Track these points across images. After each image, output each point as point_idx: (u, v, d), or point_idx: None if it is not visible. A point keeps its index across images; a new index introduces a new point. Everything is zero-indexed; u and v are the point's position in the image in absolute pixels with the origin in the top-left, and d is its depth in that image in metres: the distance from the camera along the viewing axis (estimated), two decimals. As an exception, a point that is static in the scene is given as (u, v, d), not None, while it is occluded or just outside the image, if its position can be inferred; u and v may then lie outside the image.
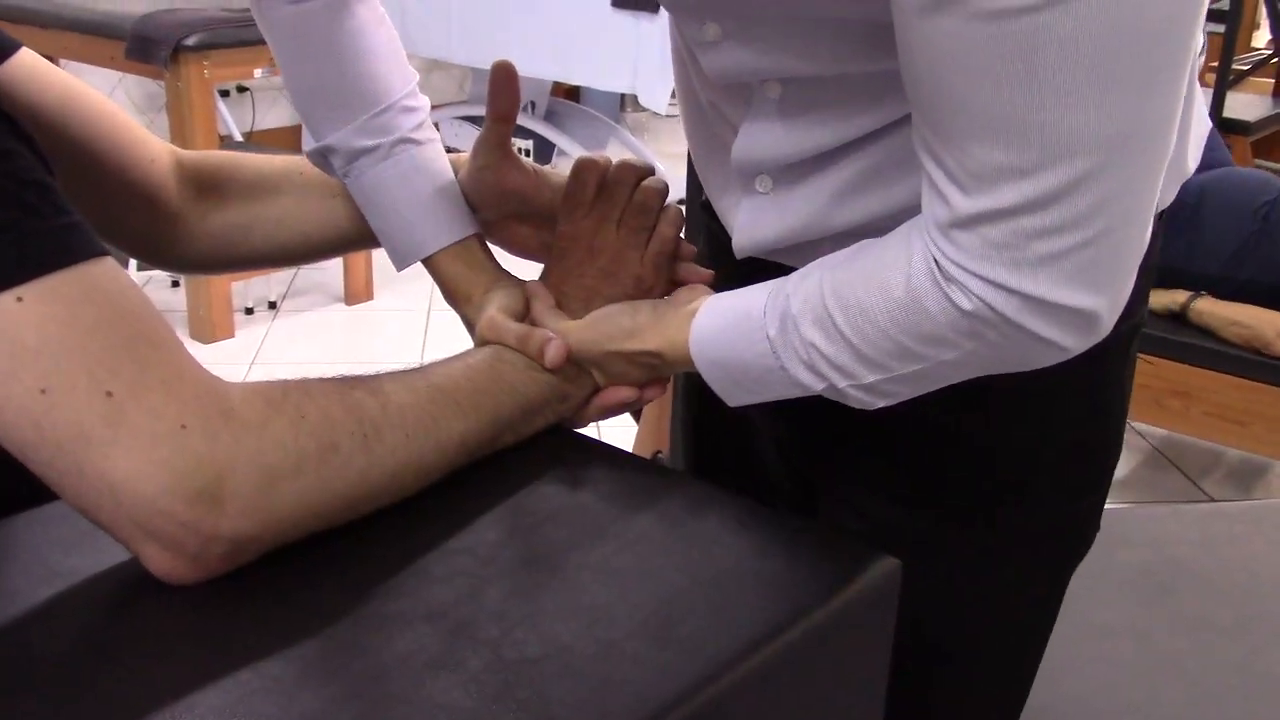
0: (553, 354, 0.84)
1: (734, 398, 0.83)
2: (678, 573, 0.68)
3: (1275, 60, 4.05)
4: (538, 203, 0.95)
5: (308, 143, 0.95)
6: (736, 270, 0.89)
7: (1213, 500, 2.57)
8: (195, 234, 0.97)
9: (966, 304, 0.68)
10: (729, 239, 0.93)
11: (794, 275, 0.79)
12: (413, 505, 0.73)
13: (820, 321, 0.75)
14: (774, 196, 0.87)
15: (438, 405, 0.75)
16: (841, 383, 0.76)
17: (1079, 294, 0.67)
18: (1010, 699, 1.01)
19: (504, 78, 0.91)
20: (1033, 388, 0.81)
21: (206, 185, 0.97)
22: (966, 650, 0.97)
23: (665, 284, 0.91)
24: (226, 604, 0.63)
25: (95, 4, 3.26)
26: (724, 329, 0.81)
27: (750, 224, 0.90)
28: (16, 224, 0.60)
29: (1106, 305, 0.69)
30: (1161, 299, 2.38)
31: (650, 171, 0.92)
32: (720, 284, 0.88)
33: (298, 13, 0.91)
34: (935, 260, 0.69)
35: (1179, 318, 2.37)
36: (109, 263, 0.63)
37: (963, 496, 0.92)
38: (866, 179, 0.83)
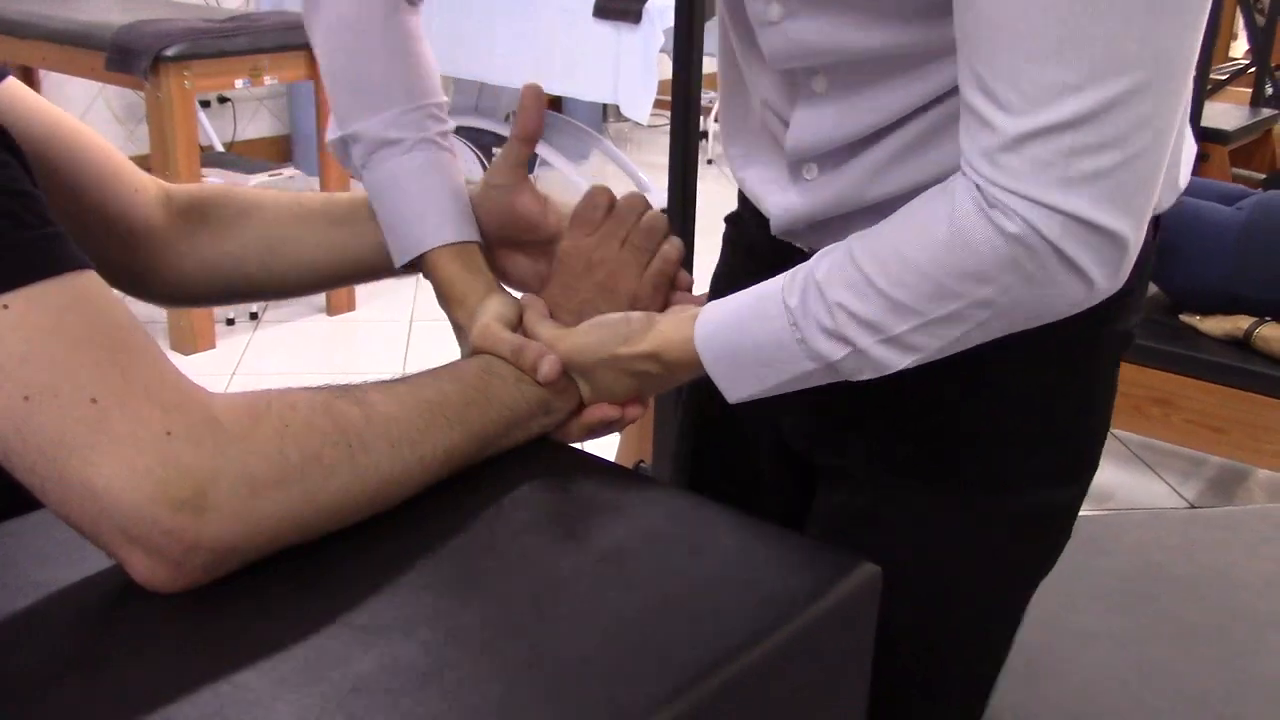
0: (546, 369, 0.85)
1: (737, 389, 0.84)
2: (657, 582, 0.68)
3: (1252, 70, 4.08)
4: (542, 230, 0.97)
5: (333, 132, 0.97)
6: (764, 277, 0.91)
7: (1193, 507, 2.58)
8: (185, 266, 0.96)
9: (1012, 227, 0.72)
10: (762, 247, 0.97)
11: (814, 257, 0.81)
12: (392, 515, 0.73)
13: (850, 281, 0.78)
14: (820, 180, 0.91)
15: (424, 418, 0.75)
16: (866, 340, 0.78)
17: (1116, 215, 0.72)
18: (973, 703, 1.02)
19: (533, 100, 0.96)
20: (1032, 381, 0.88)
21: (197, 216, 0.97)
22: (938, 646, 0.97)
23: (659, 307, 0.93)
24: (203, 615, 0.63)
25: (75, 15, 3.24)
26: (735, 310, 0.84)
27: (796, 204, 0.93)
28: (3, 233, 0.60)
29: (1133, 232, 0.73)
30: (1223, 325, 2.33)
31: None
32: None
33: (359, 8, 0.96)
34: (979, 188, 0.73)
35: (1242, 344, 2.31)
36: (92, 275, 0.64)
37: (953, 473, 0.94)
38: (904, 153, 0.86)
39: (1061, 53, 0.69)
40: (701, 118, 4.21)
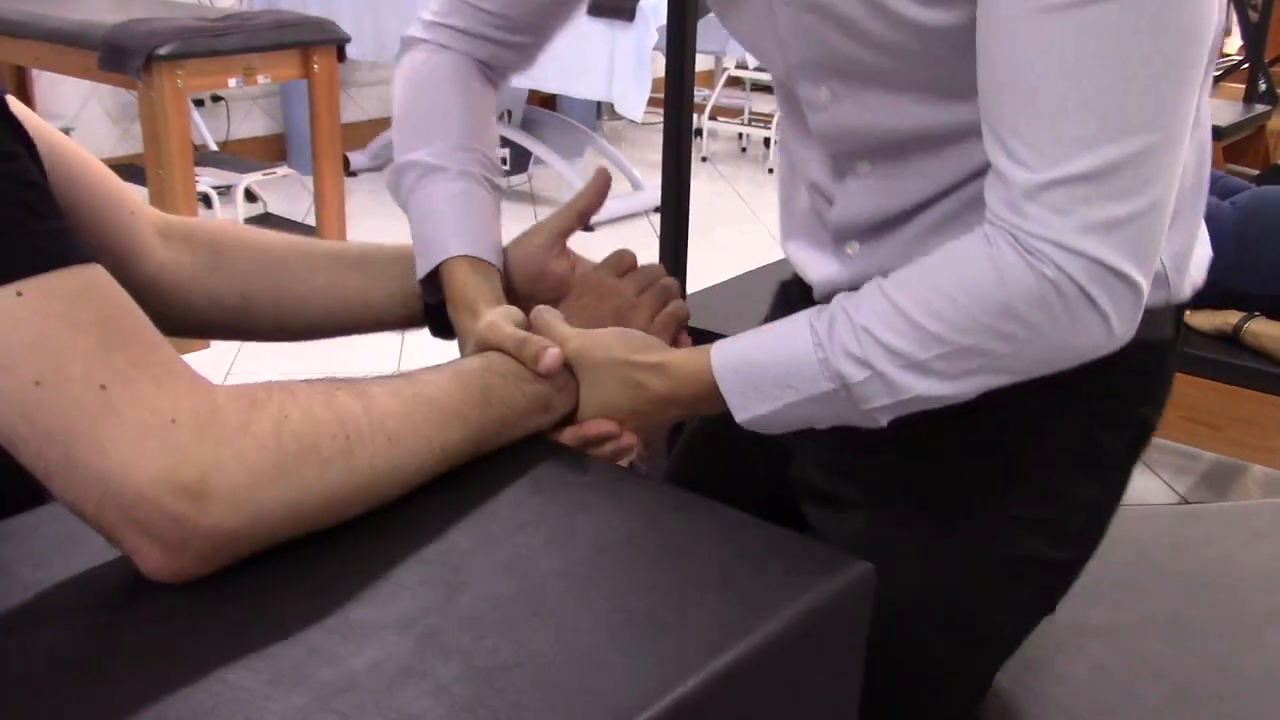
0: (548, 361, 0.86)
1: (746, 406, 0.86)
2: (650, 579, 0.68)
3: (1246, 66, 4.08)
4: (566, 288, 1.02)
5: (397, 152, 1.04)
6: None
7: (1186, 502, 2.59)
8: (190, 297, 0.97)
9: (1047, 270, 0.77)
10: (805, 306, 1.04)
11: (842, 294, 0.86)
12: (383, 513, 0.73)
13: (880, 310, 0.82)
14: (861, 254, 1.00)
15: (422, 413, 0.75)
16: (889, 365, 0.81)
17: (1132, 263, 0.78)
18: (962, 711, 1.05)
19: (601, 185, 1.05)
20: (1044, 439, 0.96)
21: (201, 248, 0.99)
22: (930, 666, 1.00)
23: None
24: (195, 613, 0.63)
25: (68, 14, 3.24)
26: (756, 334, 0.88)
27: (837, 276, 1.02)
28: (20, 222, 0.61)
29: (1145, 281, 0.79)
30: (1213, 320, 2.32)
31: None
32: None
33: (442, 62, 1.07)
34: (1014, 236, 0.78)
35: (1231, 339, 2.31)
36: (101, 268, 0.65)
37: (952, 510, 0.98)
38: (942, 224, 0.94)
39: (1074, 112, 0.75)
40: (695, 115, 4.21)
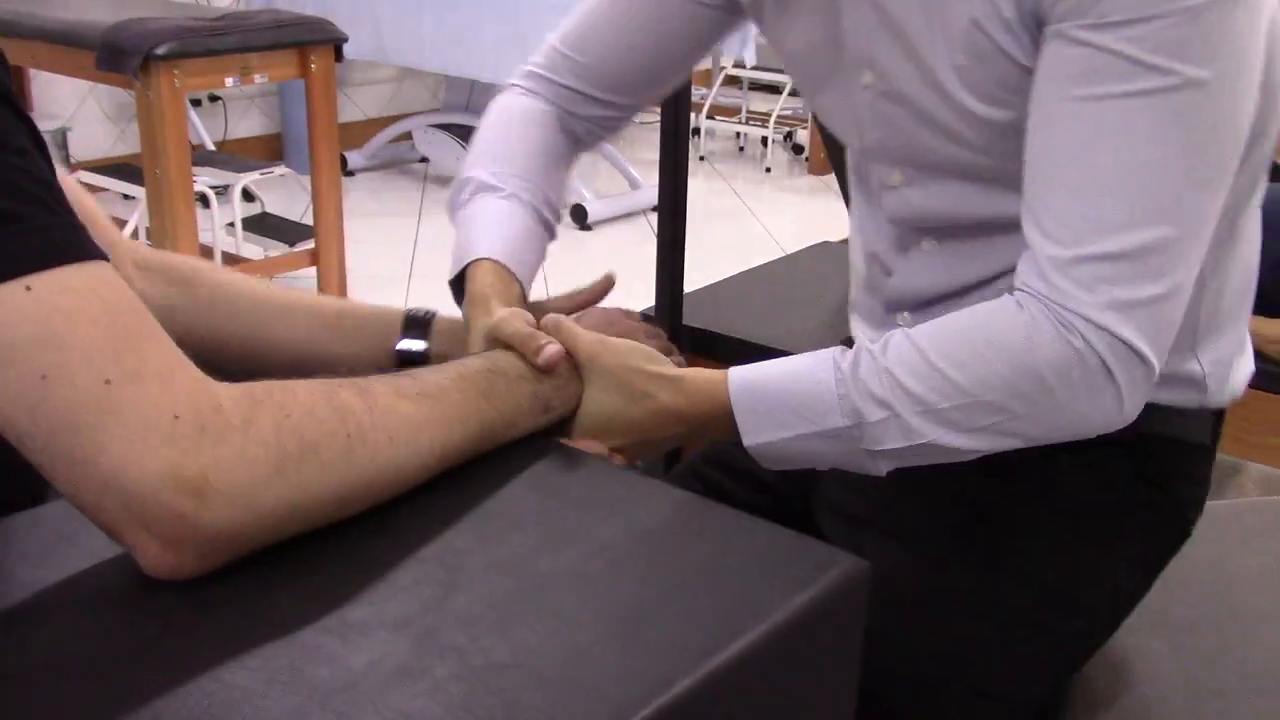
0: (547, 354, 0.86)
1: (755, 431, 0.88)
2: (646, 577, 0.68)
3: None
4: None
5: (463, 168, 1.09)
6: None
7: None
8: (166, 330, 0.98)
9: (1076, 341, 0.81)
10: None
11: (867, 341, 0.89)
12: (381, 511, 0.73)
13: (906, 357, 0.85)
14: (911, 324, 1.01)
15: (424, 412, 0.75)
16: (907, 409, 0.84)
17: (1148, 344, 0.82)
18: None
19: (604, 288, 1.07)
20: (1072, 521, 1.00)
21: (178, 283, 0.99)
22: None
23: None
24: (191, 612, 0.63)
25: (65, 13, 3.24)
26: (778, 362, 0.89)
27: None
28: (32, 217, 0.62)
29: (1158, 365, 0.83)
30: None
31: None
32: None
33: (533, 109, 1.12)
34: (1046, 306, 0.83)
35: None
36: (110, 266, 0.65)
37: (969, 554, 1.02)
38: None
39: (1104, 196, 0.80)
40: (693, 114, 4.21)
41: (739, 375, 0.88)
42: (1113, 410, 0.84)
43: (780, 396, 0.87)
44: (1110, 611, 1.04)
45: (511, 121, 1.12)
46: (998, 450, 0.86)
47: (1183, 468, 1.03)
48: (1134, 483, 1.01)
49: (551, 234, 1.09)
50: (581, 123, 1.14)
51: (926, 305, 1.03)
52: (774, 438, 0.87)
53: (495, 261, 1.00)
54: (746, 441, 0.88)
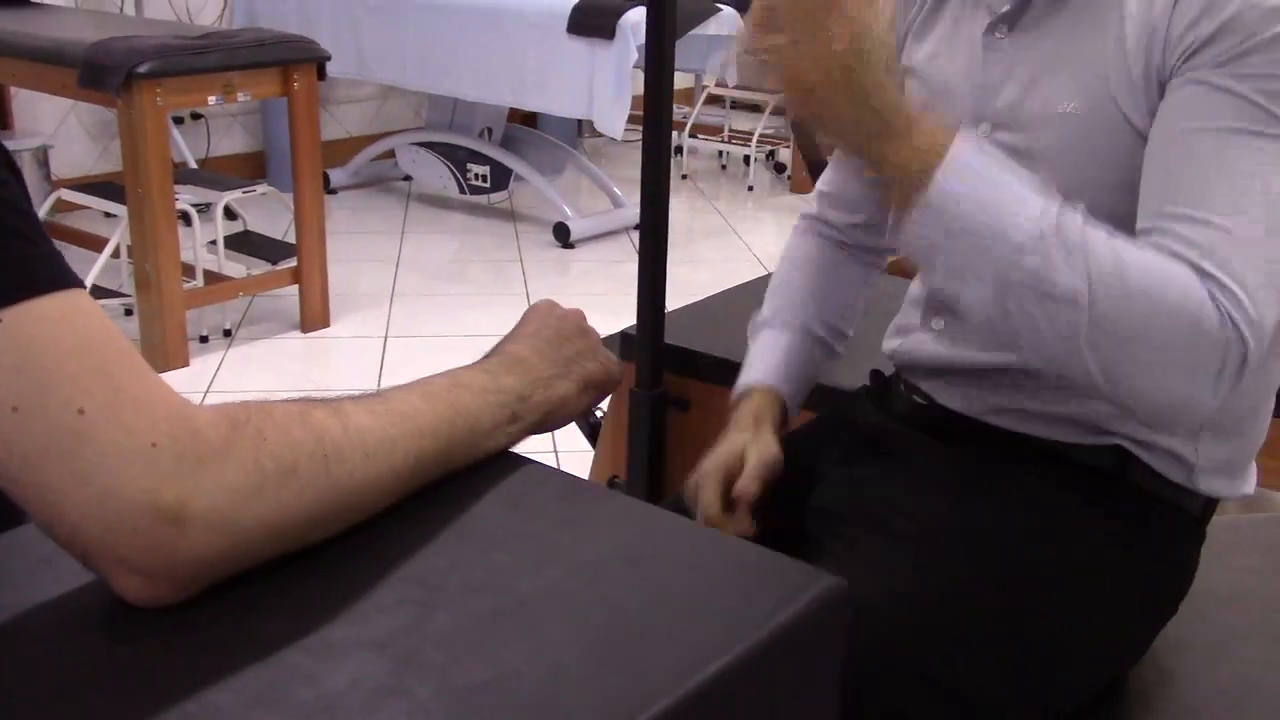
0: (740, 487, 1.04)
1: (948, 182, 0.88)
2: (626, 597, 0.68)
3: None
4: None
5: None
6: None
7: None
8: None
9: (1231, 334, 0.86)
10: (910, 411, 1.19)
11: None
12: (360, 531, 0.73)
13: (1103, 243, 0.88)
14: (946, 330, 1.15)
15: (397, 427, 0.75)
16: (1080, 267, 0.87)
17: (1255, 345, 0.87)
18: None
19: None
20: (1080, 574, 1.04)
21: None
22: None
23: None
24: (172, 634, 0.63)
25: (47, 31, 3.23)
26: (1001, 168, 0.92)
27: (914, 346, 1.19)
28: (6, 248, 0.62)
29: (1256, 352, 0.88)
30: None
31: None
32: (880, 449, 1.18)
33: (818, 241, 1.34)
34: (1222, 291, 0.87)
35: None
36: (85, 294, 0.65)
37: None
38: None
39: (1243, 214, 0.88)
40: (675, 133, 4.22)
41: (971, 143, 0.90)
42: (1208, 383, 0.86)
43: (990, 181, 0.89)
44: (1099, 654, 1.07)
45: (790, 260, 1.36)
46: (1067, 374, 0.89)
47: (1179, 535, 1.09)
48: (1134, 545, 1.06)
49: (837, 356, 1.33)
50: (862, 249, 1.35)
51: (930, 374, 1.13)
52: (961, 189, 0.88)
53: (781, 391, 1.25)
54: (938, 176, 0.88)
